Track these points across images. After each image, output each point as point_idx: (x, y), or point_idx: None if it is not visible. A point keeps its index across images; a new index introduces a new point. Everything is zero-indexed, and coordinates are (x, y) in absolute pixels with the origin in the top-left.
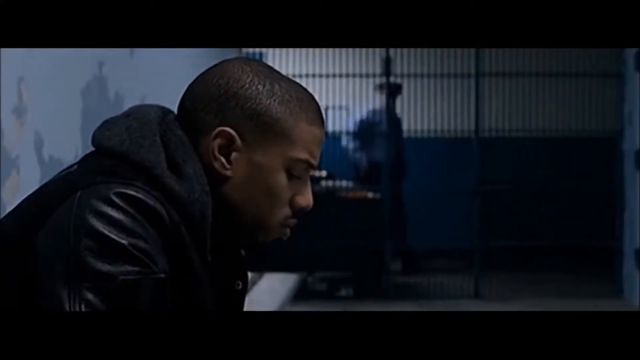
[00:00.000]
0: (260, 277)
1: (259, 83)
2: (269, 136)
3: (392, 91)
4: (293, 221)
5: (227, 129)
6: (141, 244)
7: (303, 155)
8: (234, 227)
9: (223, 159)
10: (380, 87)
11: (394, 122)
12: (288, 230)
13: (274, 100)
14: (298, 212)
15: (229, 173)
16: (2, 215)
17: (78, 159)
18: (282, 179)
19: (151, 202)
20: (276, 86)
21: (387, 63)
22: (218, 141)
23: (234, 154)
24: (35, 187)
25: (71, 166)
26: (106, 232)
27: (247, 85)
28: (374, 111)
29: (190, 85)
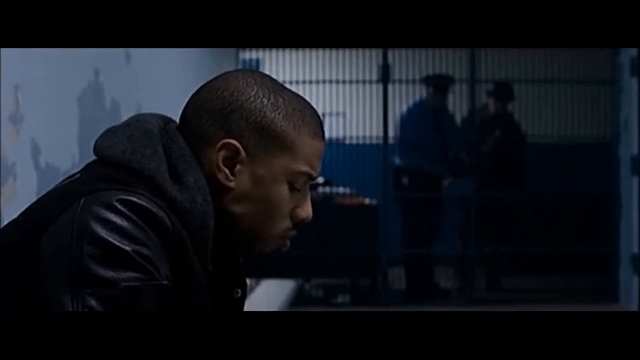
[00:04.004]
0: (257, 284)
1: (264, 96)
2: (272, 149)
3: (503, 95)
4: (293, 232)
5: (233, 141)
6: (144, 250)
7: (305, 168)
8: (234, 238)
9: (227, 171)
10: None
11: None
12: (288, 242)
13: (279, 114)
14: (298, 223)
15: (232, 184)
16: (1, 223)
17: (75, 166)
18: (284, 191)
19: (154, 209)
20: (280, 99)
21: (385, 69)
22: (223, 153)
23: (238, 166)
24: (32, 194)
25: (73, 175)
26: (109, 238)
27: (252, 98)
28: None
29: (193, 96)
